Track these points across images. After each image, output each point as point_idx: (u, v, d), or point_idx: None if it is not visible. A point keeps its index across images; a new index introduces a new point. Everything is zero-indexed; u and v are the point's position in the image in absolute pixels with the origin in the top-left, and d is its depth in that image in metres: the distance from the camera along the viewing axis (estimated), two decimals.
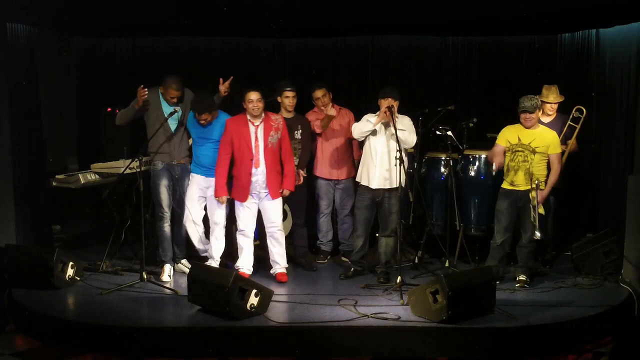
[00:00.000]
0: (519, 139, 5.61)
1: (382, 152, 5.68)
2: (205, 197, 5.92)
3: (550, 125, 5.99)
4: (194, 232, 5.99)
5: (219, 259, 5.98)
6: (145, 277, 5.59)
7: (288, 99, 6.12)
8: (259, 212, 5.90)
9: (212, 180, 5.80)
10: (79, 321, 4.95)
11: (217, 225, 5.89)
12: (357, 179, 5.91)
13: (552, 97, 6.20)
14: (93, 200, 7.15)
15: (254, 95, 5.65)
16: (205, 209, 5.98)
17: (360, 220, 5.89)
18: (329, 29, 7.37)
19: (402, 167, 5.43)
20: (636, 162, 6.09)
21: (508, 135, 5.68)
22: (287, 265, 5.99)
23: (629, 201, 5.74)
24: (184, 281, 5.66)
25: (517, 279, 5.70)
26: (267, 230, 5.90)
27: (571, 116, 6.18)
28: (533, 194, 5.52)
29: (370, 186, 5.74)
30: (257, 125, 5.73)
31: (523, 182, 5.60)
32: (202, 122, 5.72)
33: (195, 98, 5.75)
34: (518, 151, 5.60)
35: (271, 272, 5.97)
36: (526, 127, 5.60)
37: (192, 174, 5.90)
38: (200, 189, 5.88)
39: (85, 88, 7.69)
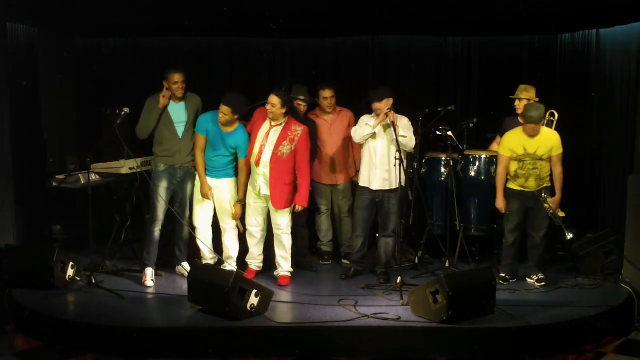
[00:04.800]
0: (525, 149, 5.60)
1: (382, 152, 5.68)
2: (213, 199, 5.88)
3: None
4: (207, 237, 5.96)
5: (235, 261, 5.97)
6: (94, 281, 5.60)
7: (299, 106, 6.07)
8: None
9: (221, 181, 5.78)
10: (79, 321, 4.95)
11: (226, 225, 5.89)
12: (357, 180, 5.90)
13: (523, 94, 6.16)
14: (93, 200, 7.15)
15: (272, 99, 5.55)
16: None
17: (360, 220, 5.89)
18: (329, 29, 7.36)
19: (401, 167, 5.43)
20: (636, 162, 6.10)
21: (512, 145, 5.65)
22: (290, 270, 5.92)
23: (629, 201, 5.75)
24: (179, 284, 5.70)
25: (536, 277, 5.74)
26: (274, 232, 5.86)
27: (546, 120, 6.17)
28: (546, 205, 5.60)
29: (370, 187, 5.74)
30: (273, 126, 5.65)
31: (534, 185, 5.66)
32: (222, 116, 5.52)
33: (231, 93, 5.60)
34: (526, 160, 5.61)
35: (274, 273, 5.95)
36: (530, 136, 5.59)
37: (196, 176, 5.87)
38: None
39: (85, 88, 7.68)
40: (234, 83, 7.47)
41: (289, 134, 5.61)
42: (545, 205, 5.61)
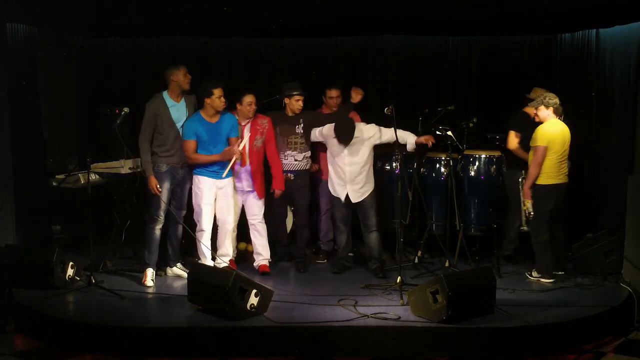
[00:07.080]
0: None
1: (351, 170, 5.85)
2: (216, 199, 5.88)
3: None
4: (207, 239, 5.95)
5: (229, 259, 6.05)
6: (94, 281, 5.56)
7: (298, 102, 6.09)
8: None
9: (225, 180, 5.81)
10: (78, 321, 4.95)
11: (230, 225, 5.95)
12: (330, 188, 6.02)
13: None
14: (93, 200, 7.15)
15: (250, 98, 5.79)
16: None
17: (339, 217, 6.08)
18: (329, 29, 7.36)
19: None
20: (636, 162, 6.10)
21: None
22: (269, 258, 6.12)
23: (629, 201, 5.75)
24: (179, 284, 5.70)
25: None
26: (249, 223, 6.05)
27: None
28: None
29: (344, 201, 5.95)
30: (244, 125, 5.87)
31: None
32: (222, 100, 5.65)
33: (212, 80, 5.83)
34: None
35: (254, 264, 6.08)
36: None
37: (200, 178, 5.79)
38: (214, 192, 5.83)
39: (85, 88, 7.67)
40: (233, 83, 7.47)
41: (258, 128, 5.90)
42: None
